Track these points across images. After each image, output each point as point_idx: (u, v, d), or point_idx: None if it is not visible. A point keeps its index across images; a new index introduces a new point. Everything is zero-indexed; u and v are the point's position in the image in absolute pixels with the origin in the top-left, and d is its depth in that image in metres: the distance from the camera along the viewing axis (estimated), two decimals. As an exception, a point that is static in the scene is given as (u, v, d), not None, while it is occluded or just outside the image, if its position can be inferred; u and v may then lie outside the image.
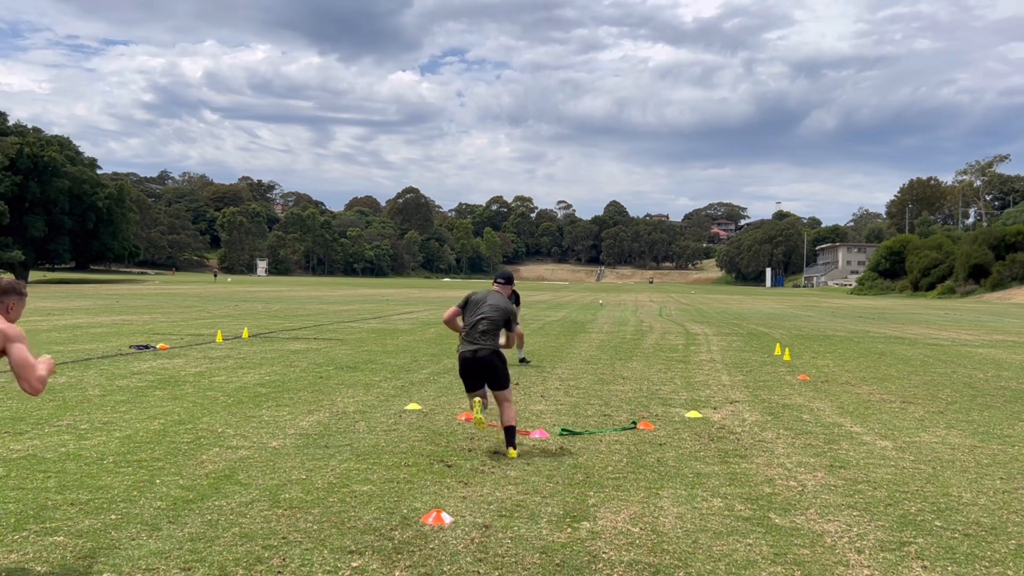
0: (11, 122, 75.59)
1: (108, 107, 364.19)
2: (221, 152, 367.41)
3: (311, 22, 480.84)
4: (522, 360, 13.90)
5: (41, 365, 4.02)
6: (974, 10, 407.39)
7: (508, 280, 7.74)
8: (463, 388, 7.64)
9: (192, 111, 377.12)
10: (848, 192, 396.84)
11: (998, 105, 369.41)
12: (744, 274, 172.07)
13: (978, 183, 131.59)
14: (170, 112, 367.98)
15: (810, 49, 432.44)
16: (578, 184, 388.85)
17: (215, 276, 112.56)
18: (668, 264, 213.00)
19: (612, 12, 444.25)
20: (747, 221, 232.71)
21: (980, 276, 77.68)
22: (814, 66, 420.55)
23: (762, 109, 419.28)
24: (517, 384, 11.30)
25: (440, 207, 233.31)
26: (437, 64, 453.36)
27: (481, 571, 4.35)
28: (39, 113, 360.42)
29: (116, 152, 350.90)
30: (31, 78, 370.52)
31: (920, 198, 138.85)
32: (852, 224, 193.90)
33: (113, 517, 5.06)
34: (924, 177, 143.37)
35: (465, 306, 7.27)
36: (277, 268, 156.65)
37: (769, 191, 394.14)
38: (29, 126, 76.79)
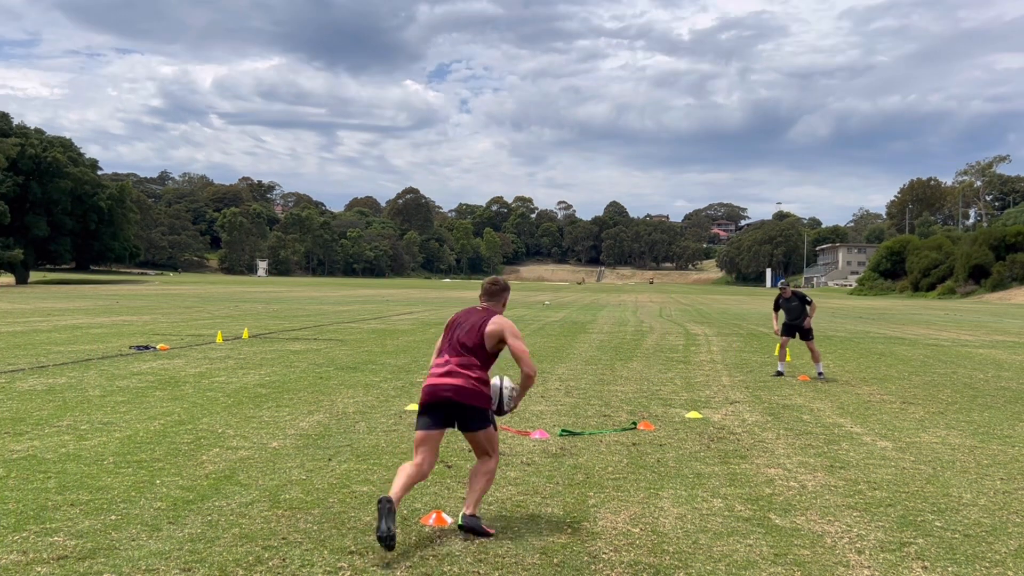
0: (18, 124, 75.57)
1: (116, 112, 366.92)
2: (228, 157, 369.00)
3: (320, 36, 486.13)
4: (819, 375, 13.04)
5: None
6: (962, 23, 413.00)
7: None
8: None
9: (199, 117, 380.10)
10: (843, 195, 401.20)
11: (984, 112, 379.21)
12: (744, 275, 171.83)
13: (978, 183, 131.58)
14: (179, 118, 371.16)
15: (803, 60, 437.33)
16: (578, 187, 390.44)
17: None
18: (668, 264, 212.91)
19: (612, 26, 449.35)
20: (747, 222, 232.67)
21: (980, 276, 77.65)
22: (807, 75, 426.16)
23: (757, 115, 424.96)
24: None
25: (440, 208, 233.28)
26: (443, 72, 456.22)
27: (481, 571, 4.35)
28: (51, 118, 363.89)
29: (125, 156, 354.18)
30: (43, 83, 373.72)
31: (920, 198, 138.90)
32: (852, 225, 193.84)
33: (113, 517, 5.06)
34: (924, 178, 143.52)
35: None
36: (277, 269, 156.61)
37: (766, 194, 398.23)
38: (32, 127, 76.82)
